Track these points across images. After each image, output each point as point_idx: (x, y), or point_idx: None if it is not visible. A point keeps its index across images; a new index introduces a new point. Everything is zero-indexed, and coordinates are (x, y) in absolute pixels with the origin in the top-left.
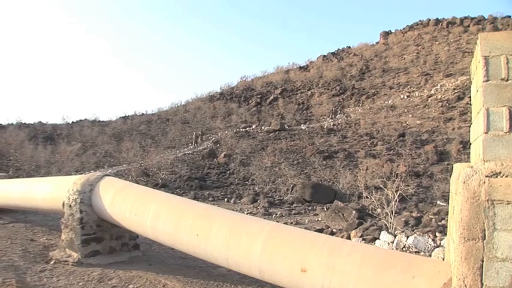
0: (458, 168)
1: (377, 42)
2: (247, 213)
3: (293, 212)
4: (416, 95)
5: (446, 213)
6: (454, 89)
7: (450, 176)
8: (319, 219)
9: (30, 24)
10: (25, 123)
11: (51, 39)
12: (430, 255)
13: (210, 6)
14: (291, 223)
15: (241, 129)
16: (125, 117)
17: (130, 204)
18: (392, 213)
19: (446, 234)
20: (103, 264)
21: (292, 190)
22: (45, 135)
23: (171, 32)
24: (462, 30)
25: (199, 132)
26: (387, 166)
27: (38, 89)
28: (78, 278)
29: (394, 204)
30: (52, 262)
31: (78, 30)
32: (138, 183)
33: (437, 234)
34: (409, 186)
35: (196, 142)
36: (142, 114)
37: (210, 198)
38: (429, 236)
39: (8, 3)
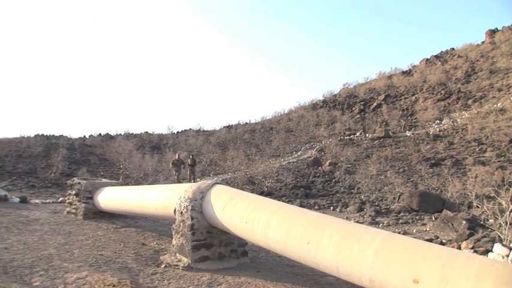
0: None
1: (482, 42)
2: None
3: (400, 221)
4: None
5: None
6: None
7: None
8: (427, 229)
9: (131, 37)
10: (132, 134)
11: (149, 55)
12: None
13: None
14: (399, 232)
15: (345, 137)
16: (228, 127)
17: (241, 211)
18: (506, 224)
19: None
20: (212, 270)
21: (399, 199)
22: (152, 144)
23: (277, 33)
24: None
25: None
26: (498, 174)
27: (145, 101)
28: (188, 282)
29: (509, 214)
30: (163, 266)
31: (182, 43)
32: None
33: None
34: None
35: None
36: (246, 123)
37: (316, 207)
38: None
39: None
